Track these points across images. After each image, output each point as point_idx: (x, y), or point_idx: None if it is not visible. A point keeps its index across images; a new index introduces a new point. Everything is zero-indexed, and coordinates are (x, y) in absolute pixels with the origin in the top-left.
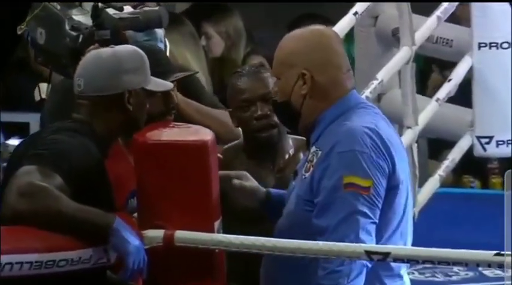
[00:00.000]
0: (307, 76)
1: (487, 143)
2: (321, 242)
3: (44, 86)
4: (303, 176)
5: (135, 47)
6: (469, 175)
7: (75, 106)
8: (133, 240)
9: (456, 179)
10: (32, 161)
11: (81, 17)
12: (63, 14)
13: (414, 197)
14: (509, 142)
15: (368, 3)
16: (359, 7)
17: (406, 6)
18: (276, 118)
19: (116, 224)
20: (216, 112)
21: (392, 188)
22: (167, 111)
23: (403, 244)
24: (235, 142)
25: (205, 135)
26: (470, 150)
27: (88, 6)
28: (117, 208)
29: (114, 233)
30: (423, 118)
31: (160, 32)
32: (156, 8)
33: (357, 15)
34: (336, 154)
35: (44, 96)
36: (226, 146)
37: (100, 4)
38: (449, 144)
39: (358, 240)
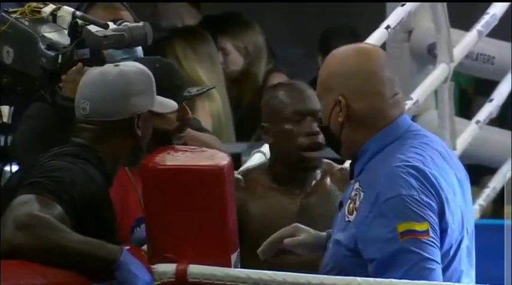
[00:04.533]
0: (343, 104)
1: None
2: (346, 277)
3: (5, 109)
4: (346, 218)
5: (141, 66)
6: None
7: (75, 129)
8: (143, 275)
9: (497, 209)
10: (30, 190)
11: (55, 34)
12: (34, 31)
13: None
14: None
15: (401, 17)
16: (391, 20)
17: (443, 19)
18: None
19: (123, 257)
20: (205, 137)
21: (441, 231)
22: (183, 126)
23: (456, 281)
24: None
25: (222, 159)
26: None
27: (63, 22)
28: (121, 238)
29: (121, 268)
30: (462, 142)
31: (140, 49)
32: (141, 24)
33: (389, 29)
34: (382, 204)
35: (5, 119)
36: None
37: (80, 21)
38: (491, 171)
39: None
